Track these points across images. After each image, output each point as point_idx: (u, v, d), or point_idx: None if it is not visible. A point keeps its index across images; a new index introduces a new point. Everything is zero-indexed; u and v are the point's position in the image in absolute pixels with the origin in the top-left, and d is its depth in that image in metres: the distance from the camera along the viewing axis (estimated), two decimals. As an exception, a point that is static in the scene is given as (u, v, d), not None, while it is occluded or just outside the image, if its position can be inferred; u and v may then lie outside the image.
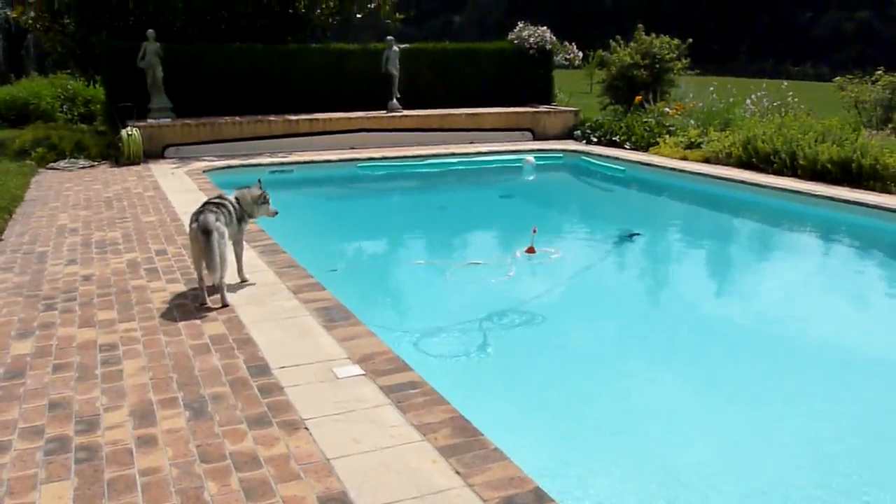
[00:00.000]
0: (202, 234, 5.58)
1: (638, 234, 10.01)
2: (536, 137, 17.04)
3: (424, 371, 4.51)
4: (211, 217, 5.65)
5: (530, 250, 8.65)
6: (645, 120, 16.14)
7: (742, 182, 11.80)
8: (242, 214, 6.25)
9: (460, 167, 14.64)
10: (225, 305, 5.71)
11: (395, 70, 16.40)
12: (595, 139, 16.27)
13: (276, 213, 6.38)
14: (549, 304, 7.30)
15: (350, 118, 15.81)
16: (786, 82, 17.63)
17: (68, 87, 20.58)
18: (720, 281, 8.63)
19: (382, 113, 16.33)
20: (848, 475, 4.34)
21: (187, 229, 6.27)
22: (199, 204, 6.06)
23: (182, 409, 4.08)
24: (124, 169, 13.04)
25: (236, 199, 6.22)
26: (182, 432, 3.83)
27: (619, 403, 5.21)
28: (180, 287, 6.26)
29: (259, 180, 6.47)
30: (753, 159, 12.60)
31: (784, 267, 9.07)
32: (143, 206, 9.72)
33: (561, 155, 15.46)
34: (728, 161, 13.05)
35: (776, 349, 6.25)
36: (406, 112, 16.46)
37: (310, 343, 4.97)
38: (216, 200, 6.11)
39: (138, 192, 10.81)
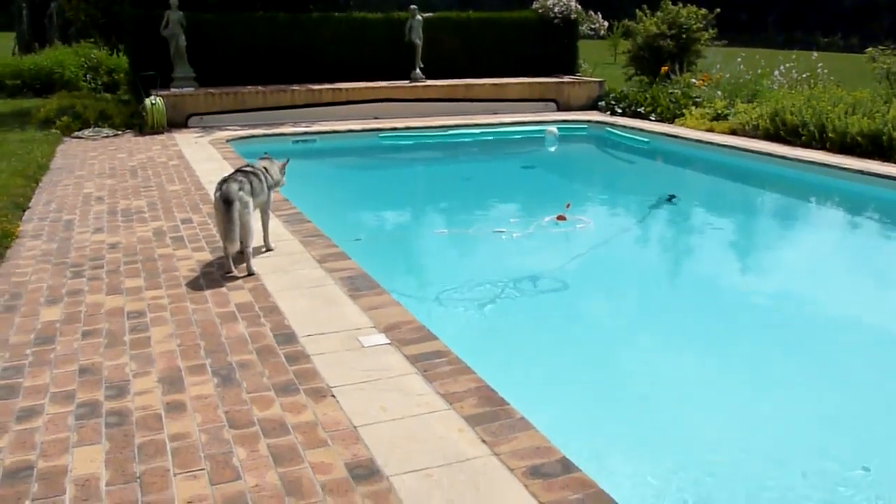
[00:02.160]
0: (223, 204, 5.62)
1: (675, 197, 9.99)
2: (560, 108, 16.91)
3: (450, 340, 4.53)
4: (234, 186, 5.68)
5: (561, 217, 8.68)
6: (670, 91, 15.95)
7: (769, 154, 11.66)
8: (271, 183, 6.33)
9: (483, 138, 14.58)
10: (251, 274, 5.75)
11: (418, 40, 16.28)
12: (619, 110, 16.12)
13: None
14: (574, 273, 7.30)
15: (373, 88, 15.76)
16: (815, 53, 17.35)
17: (92, 56, 20.62)
18: (746, 255, 8.56)
19: (405, 83, 16.26)
20: (886, 456, 4.29)
21: (212, 198, 6.30)
22: (227, 172, 6.11)
23: (210, 375, 4.13)
24: (148, 138, 13.13)
25: (265, 168, 6.27)
26: (210, 399, 3.87)
27: (644, 375, 5.20)
28: (206, 255, 6.32)
29: (266, 153, 6.62)
30: (781, 132, 12.43)
31: (813, 242, 8.98)
32: (168, 175, 9.78)
33: (585, 126, 15.35)
34: (755, 133, 12.90)
35: (803, 326, 6.18)
36: (429, 82, 16.38)
37: (335, 312, 5.00)
38: (246, 168, 6.19)
39: (162, 161, 10.88)
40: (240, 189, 5.71)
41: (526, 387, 4.79)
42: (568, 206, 8.87)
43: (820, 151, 11.57)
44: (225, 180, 5.82)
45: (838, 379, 5.21)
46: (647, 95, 16.02)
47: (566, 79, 17.63)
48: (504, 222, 8.93)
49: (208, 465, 3.30)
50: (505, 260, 7.73)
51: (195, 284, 5.62)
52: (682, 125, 14.31)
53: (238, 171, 6.14)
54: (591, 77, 18.47)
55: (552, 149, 14.20)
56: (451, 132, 14.52)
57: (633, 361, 5.43)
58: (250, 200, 5.82)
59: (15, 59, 20.77)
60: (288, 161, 6.64)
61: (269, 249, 6.37)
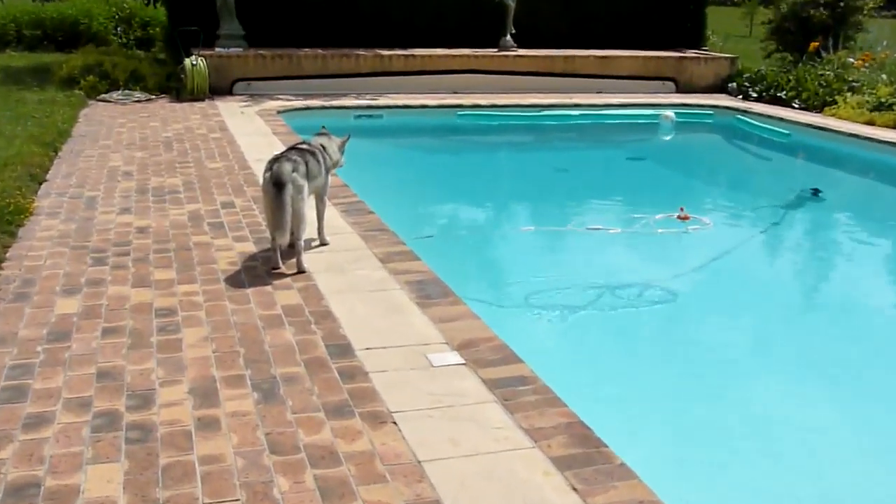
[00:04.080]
0: (273, 187, 5.67)
1: (820, 192, 9.90)
2: (680, 89, 16.71)
3: (536, 362, 4.51)
4: (287, 167, 5.72)
5: (683, 217, 8.70)
6: (821, 73, 15.60)
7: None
8: (329, 164, 6.41)
9: (583, 121, 14.51)
10: (301, 272, 5.82)
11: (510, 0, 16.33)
12: (754, 94, 15.84)
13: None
14: (685, 283, 7.30)
15: (453, 56, 15.82)
16: None
17: (124, 5, 21.12)
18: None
19: (493, 51, 16.28)
20: None
21: (260, 179, 6.39)
22: (278, 149, 6.18)
23: (249, 389, 4.18)
24: (186, 105, 13.40)
25: (322, 146, 6.35)
26: (249, 416, 3.92)
27: (771, 413, 5.15)
28: (249, 247, 6.41)
29: (323, 127, 6.68)
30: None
31: None
32: (208, 150, 9.97)
33: (710, 112, 15.14)
34: (928, 129, 12.53)
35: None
36: (521, 51, 16.35)
37: (400, 322, 5.02)
38: (302, 146, 6.25)
39: (202, 132, 11.09)
40: (294, 170, 5.75)
41: (626, 422, 4.77)
42: (682, 209, 8.79)
43: None
44: (276, 159, 5.87)
45: None
46: (791, 77, 15.70)
47: (689, 53, 17.41)
48: (602, 220, 8.93)
49: (244, 496, 3.34)
50: (602, 264, 7.78)
51: (236, 280, 5.69)
52: (833, 115, 13.97)
53: (292, 148, 6.20)
54: (720, 52, 18.19)
55: (667, 138, 14.05)
56: (544, 113, 14.47)
57: (758, 396, 5.36)
58: (305, 184, 5.86)
59: (35, 5, 21.31)
60: (349, 138, 6.70)
61: (323, 244, 6.43)
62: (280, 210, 5.66)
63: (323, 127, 6.73)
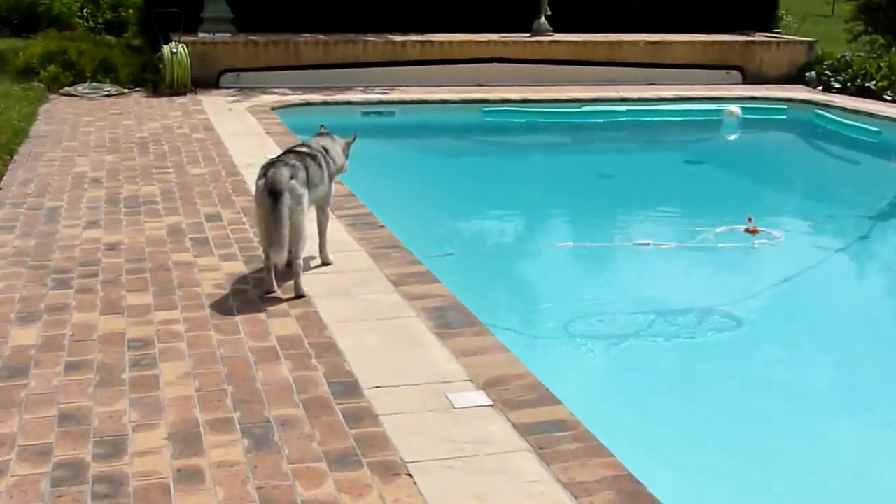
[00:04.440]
0: (268, 196, 5.68)
1: None
2: (748, 79, 16.69)
3: (577, 404, 4.49)
4: (284, 173, 5.73)
5: (752, 230, 8.70)
6: (919, 59, 15.54)
7: None
8: (333, 169, 6.41)
9: (632, 118, 14.51)
10: (300, 296, 5.82)
11: (546, -25, 16.38)
12: (837, 85, 15.77)
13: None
14: (754, 309, 7.28)
15: (478, 42, 15.87)
16: None
17: (92, -17, 21.22)
18: None
19: (525, 36, 16.31)
20: None
21: (252, 187, 6.40)
22: (273, 152, 6.18)
23: (239, 434, 4.15)
24: (165, 100, 13.46)
25: (324, 148, 6.36)
26: (238, 467, 3.89)
27: (858, 469, 5.11)
28: (239, 267, 6.42)
29: (322, 126, 6.66)
30: None
31: None
32: (191, 153, 10.01)
33: (784, 106, 15.08)
34: None
35: None
36: (558, 36, 16.39)
37: (416, 355, 5.02)
38: (301, 149, 6.25)
39: (183, 132, 11.13)
40: (292, 177, 5.75)
41: (683, 475, 4.75)
42: (750, 220, 8.77)
43: None
44: (271, 163, 5.86)
45: None
46: (882, 64, 15.61)
47: (758, 37, 17.39)
48: (653, 234, 8.89)
49: (231, 562, 3.34)
50: (653, 286, 7.80)
51: (223, 307, 5.68)
52: (933, 110, 13.91)
53: (290, 151, 6.21)
54: (795, 35, 18.14)
55: (731, 137, 14.03)
56: (585, 109, 14.45)
57: (842, 445, 5.33)
58: (305, 193, 5.86)
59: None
60: (354, 139, 6.70)
61: (326, 263, 6.44)
62: (276, 224, 5.65)
63: (322, 126, 6.68)
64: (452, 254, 8.20)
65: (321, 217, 6.44)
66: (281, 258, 5.72)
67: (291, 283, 5.90)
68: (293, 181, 5.76)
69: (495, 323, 5.61)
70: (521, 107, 14.34)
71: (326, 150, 6.36)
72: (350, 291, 5.98)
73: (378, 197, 8.15)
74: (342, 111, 13.11)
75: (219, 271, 6.33)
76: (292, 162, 5.90)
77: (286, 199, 5.67)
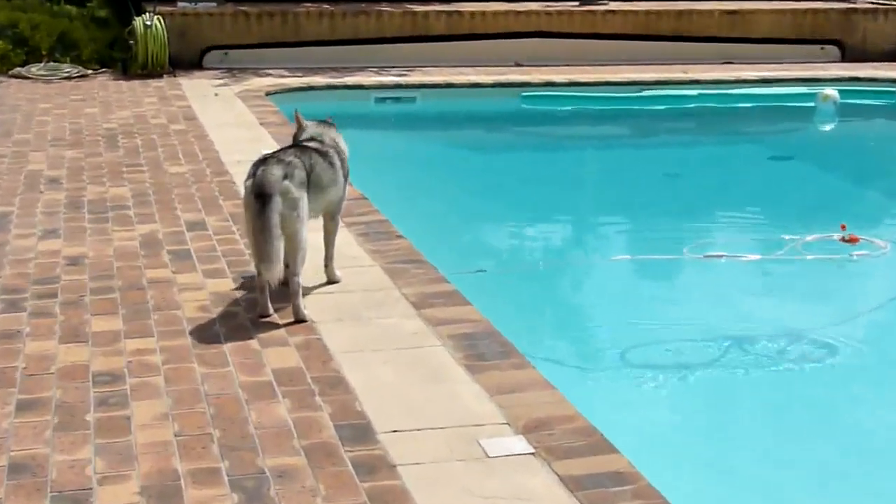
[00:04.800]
0: (255, 200, 5.61)
1: None
2: (848, 56, 16.65)
3: (637, 451, 4.44)
4: (274, 172, 5.66)
5: (850, 239, 8.62)
6: None
7: None
8: (347, 169, 6.35)
9: (704, 104, 14.46)
10: (300, 320, 5.75)
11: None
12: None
13: None
14: (852, 334, 7.23)
15: (517, 13, 15.86)
16: None
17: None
18: None
19: (573, 5, 16.32)
20: None
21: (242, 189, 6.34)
22: (267, 146, 6.13)
23: (227, 488, 4.05)
24: (137, 83, 13.47)
25: (335, 142, 6.31)
26: (225, 530, 3.86)
27: None
28: (227, 285, 6.36)
29: (330, 118, 6.58)
30: None
31: None
32: (168, 148, 9.98)
33: (892, 89, 14.99)
34: None
35: None
36: (614, 5, 16.40)
37: (441, 393, 4.93)
38: (310, 144, 6.18)
39: (160, 122, 11.11)
40: (286, 177, 5.68)
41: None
42: (843, 227, 8.72)
43: None
44: (264, 160, 5.78)
45: None
46: None
47: (861, 4, 17.27)
48: (729, 245, 8.84)
49: None
50: (729, 306, 7.75)
51: (208, 333, 5.60)
52: None
53: (295, 145, 6.15)
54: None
55: (827, 127, 13.98)
56: (647, 94, 14.43)
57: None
58: (303, 197, 5.77)
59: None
60: (330, 122, 6.57)
61: (332, 281, 6.37)
62: (263, 233, 5.58)
63: (329, 118, 6.62)
64: (485, 270, 8.12)
65: (329, 225, 6.36)
66: (273, 274, 5.64)
67: (291, 305, 5.83)
68: (287, 182, 5.68)
69: (537, 353, 5.58)
70: (567, 91, 14.31)
71: (336, 144, 6.32)
72: (361, 315, 5.92)
73: (396, 201, 8.14)
74: (352, 97, 13.10)
75: (203, 291, 6.27)
76: (289, 159, 5.83)
77: (276, 204, 5.59)
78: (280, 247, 5.61)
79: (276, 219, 5.57)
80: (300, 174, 5.78)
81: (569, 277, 8.83)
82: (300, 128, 6.44)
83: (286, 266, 5.71)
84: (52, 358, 5.29)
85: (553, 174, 12.15)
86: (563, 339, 7.32)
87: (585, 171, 12.76)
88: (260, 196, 5.58)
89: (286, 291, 5.85)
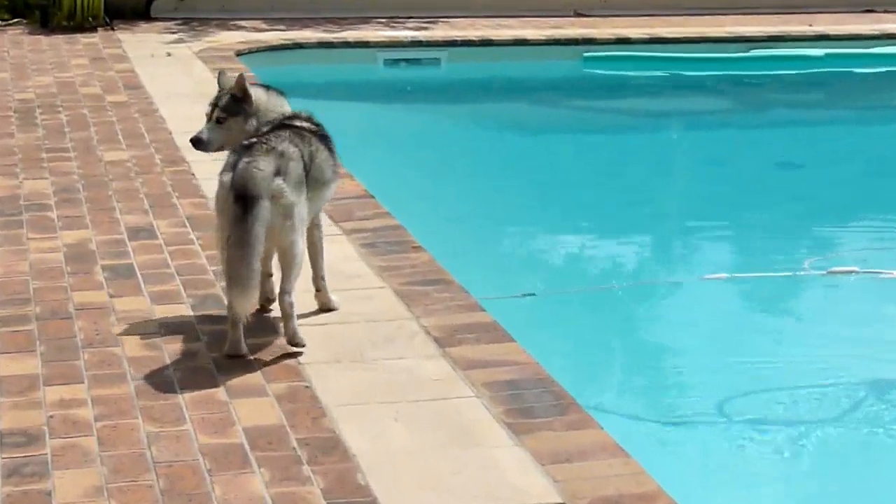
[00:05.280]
0: (235, 203, 5.41)
1: None
2: None
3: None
4: (264, 166, 5.49)
5: None
6: None
7: None
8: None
9: (836, 68, 14.53)
10: (296, 344, 5.62)
11: None
12: None
13: None
14: None
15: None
16: None
17: None
18: None
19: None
20: None
21: (208, 184, 6.29)
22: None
23: None
24: (62, 39, 13.56)
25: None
26: None
27: None
28: (184, 312, 6.23)
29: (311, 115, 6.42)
30: None
31: None
32: (104, 126, 9.94)
33: None
34: None
35: None
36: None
37: (473, 461, 4.75)
38: (305, 124, 6.04)
39: (92, 92, 11.13)
40: (279, 172, 5.53)
41: None
42: None
43: None
44: (248, 147, 5.64)
45: None
46: None
47: None
48: (864, 258, 8.78)
49: None
50: (862, 337, 7.58)
51: (158, 378, 5.43)
52: None
53: (284, 125, 5.96)
54: None
55: None
56: (754, 53, 14.48)
57: None
58: (300, 201, 5.63)
59: None
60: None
61: (326, 308, 6.24)
62: (242, 248, 5.38)
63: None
64: (534, 293, 7.99)
65: (315, 233, 6.20)
66: (246, 307, 5.48)
67: (272, 336, 5.76)
68: (280, 181, 5.50)
69: (604, 405, 5.56)
70: (645, 50, 14.37)
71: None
72: (365, 355, 5.74)
73: (412, 200, 8.13)
74: (353, 59, 13.24)
75: (151, 321, 6.09)
76: (283, 147, 5.65)
77: (262, 211, 5.39)
78: (259, 269, 5.43)
79: (259, 230, 5.36)
80: (298, 169, 5.64)
81: (647, 303, 8.74)
82: (245, 100, 6.09)
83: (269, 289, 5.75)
84: (-56, 410, 5.12)
85: (626, 164, 12.20)
86: (639, 387, 7.22)
87: (671, 160, 12.70)
88: (241, 198, 5.35)
89: (264, 319, 5.79)
